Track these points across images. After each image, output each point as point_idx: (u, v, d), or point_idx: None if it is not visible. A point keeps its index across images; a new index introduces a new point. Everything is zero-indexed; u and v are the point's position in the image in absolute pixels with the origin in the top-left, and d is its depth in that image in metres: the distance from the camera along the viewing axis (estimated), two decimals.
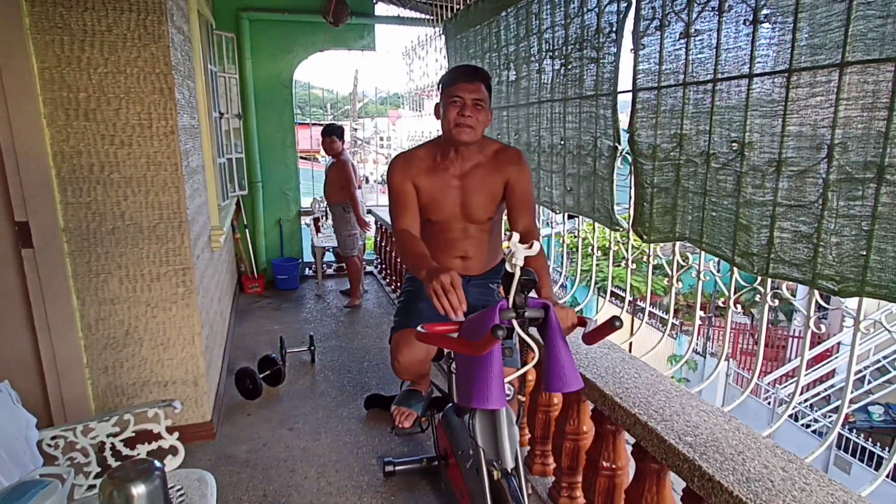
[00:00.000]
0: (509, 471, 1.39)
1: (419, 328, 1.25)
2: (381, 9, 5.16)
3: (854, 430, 7.79)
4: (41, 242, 2.08)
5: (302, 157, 7.87)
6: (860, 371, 8.15)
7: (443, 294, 1.22)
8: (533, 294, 1.36)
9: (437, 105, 1.70)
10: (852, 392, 7.89)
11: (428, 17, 4.55)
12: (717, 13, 1.49)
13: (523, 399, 1.40)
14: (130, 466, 1.04)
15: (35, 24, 1.94)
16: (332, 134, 4.20)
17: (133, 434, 1.65)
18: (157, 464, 1.07)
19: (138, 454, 1.63)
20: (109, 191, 2.14)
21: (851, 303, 1.38)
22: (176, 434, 1.68)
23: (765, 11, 1.35)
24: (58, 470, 1.32)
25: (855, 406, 8.36)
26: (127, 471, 1.02)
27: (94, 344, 2.24)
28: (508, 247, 1.18)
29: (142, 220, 2.20)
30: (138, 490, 1.00)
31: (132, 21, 2.04)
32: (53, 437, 1.54)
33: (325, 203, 4.70)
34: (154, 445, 1.66)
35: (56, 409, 2.22)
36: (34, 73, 1.96)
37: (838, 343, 8.85)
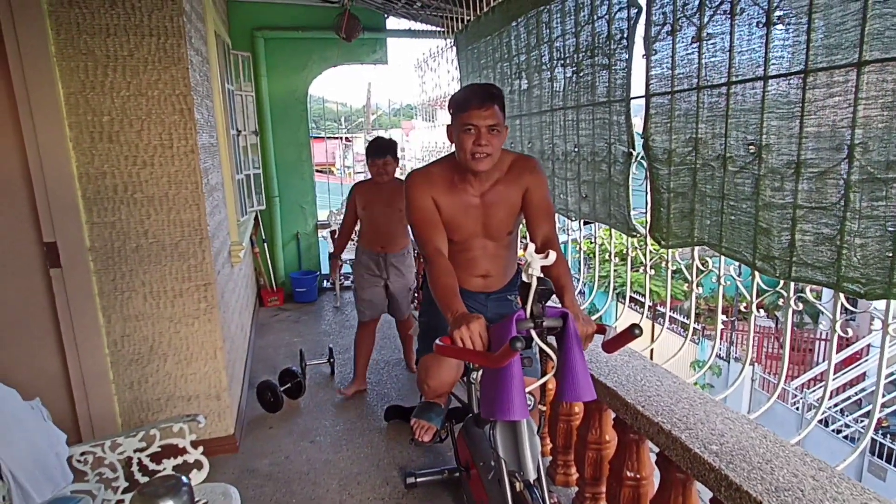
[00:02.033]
0: (531, 482, 1.38)
1: (437, 341, 1.26)
2: (392, 23, 5.23)
3: (888, 435, 7.55)
4: (68, 262, 2.14)
5: (317, 171, 7.98)
6: (892, 374, 7.89)
7: (468, 342, 1.23)
8: (554, 302, 1.36)
9: (448, 127, 1.64)
10: (884, 396, 7.65)
11: (439, 29, 4.60)
12: (728, 16, 1.49)
13: (544, 409, 1.39)
14: (159, 483, 1.06)
15: (60, 51, 2.01)
16: (386, 153, 2.84)
17: (159, 449, 1.67)
18: (185, 479, 1.09)
19: (164, 469, 1.65)
20: (133, 210, 2.20)
21: (880, 304, 1.35)
22: (200, 448, 1.70)
23: (778, 13, 1.34)
24: (87, 486, 1.35)
25: (888, 410, 8.10)
26: (156, 487, 1.04)
27: (120, 360, 2.29)
28: (524, 256, 1.18)
29: (164, 237, 2.25)
30: None
31: (153, 45, 2.10)
32: (83, 453, 1.57)
33: (382, 252, 2.98)
34: (179, 460, 1.68)
35: (84, 424, 2.27)
36: (60, 98, 2.03)
37: (868, 345, 8.61)
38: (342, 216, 3.20)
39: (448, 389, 1.90)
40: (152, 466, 1.65)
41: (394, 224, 2.95)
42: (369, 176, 2.98)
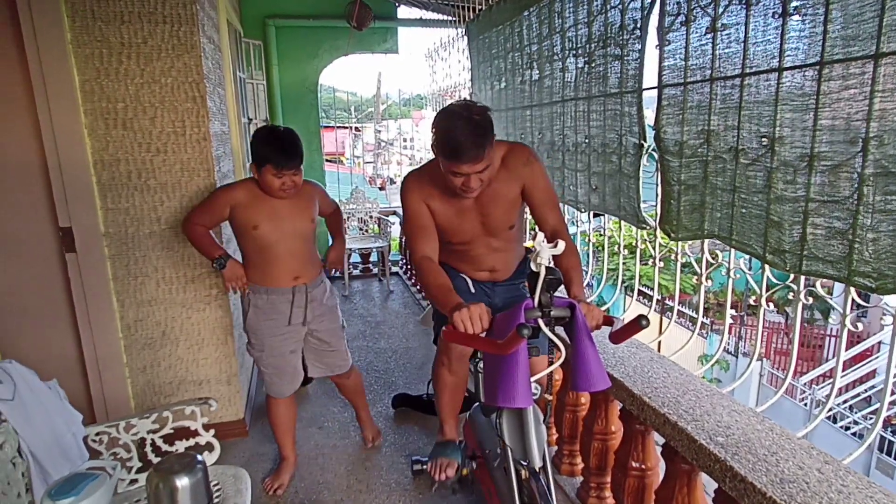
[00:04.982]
0: (537, 470, 1.40)
1: (444, 327, 1.27)
2: (403, 11, 5.21)
3: None
4: (83, 247, 2.17)
5: (327, 160, 8.00)
6: None
7: (469, 323, 1.22)
8: (561, 293, 1.36)
9: (434, 150, 1.51)
10: (895, 393, 7.58)
11: (450, 18, 4.57)
12: (744, 6, 1.47)
13: (550, 398, 1.41)
14: (174, 460, 1.09)
15: (76, 38, 2.03)
16: (299, 160, 1.95)
17: (171, 431, 1.71)
18: (199, 457, 1.11)
19: (177, 450, 1.69)
20: (146, 196, 2.22)
21: (891, 299, 1.34)
22: (212, 431, 1.73)
23: (794, 3, 1.32)
24: (103, 464, 1.38)
25: None
26: (171, 464, 1.07)
27: (133, 344, 2.33)
28: (533, 246, 1.19)
29: (177, 224, 2.27)
30: (182, 482, 1.05)
31: (166, 33, 2.11)
32: (98, 434, 1.61)
33: (299, 283, 2.06)
34: (191, 442, 1.72)
35: (98, 406, 2.32)
36: (76, 85, 2.05)
37: (879, 342, 8.53)
38: (199, 215, 2.01)
39: (467, 362, 1.81)
40: (165, 448, 1.69)
41: (309, 241, 2.08)
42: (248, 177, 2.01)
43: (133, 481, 1.64)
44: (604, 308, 1.40)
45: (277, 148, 1.87)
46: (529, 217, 1.94)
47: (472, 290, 1.77)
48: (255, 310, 2.04)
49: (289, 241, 2.00)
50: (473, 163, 1.41)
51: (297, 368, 2.16)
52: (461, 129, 1.39)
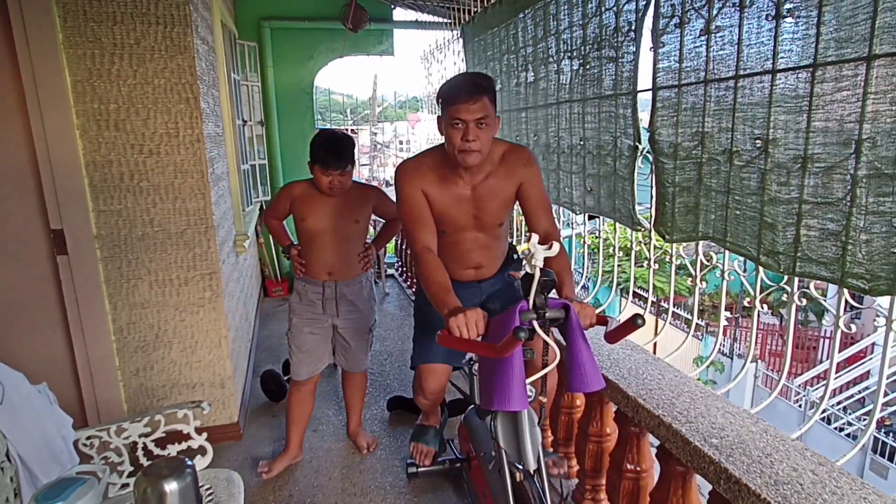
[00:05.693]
0: (531, 472, 1.39)
1: (439, 332, 1.26)
2: (398, 14, 5.21)
3: (891, 434, 7.53)
4: (75, 249, 2.16)
5: None
6: (895, 372, 7.87)
7: (465, 329, 1.23)
8: (554, 294, 1.36)
9: (439, 119, 1.57)
10: (888, 394, 7.64)
11: (446, 20, 4.58)
12: (737, 9, 1.47)
13: (545, 400, 1.40)
14: (164, 464, 1.08)
15: (68, 38, 2.02)
16: (347, 161, 2.07)
17: (164, 434, 1.69)
18: (189, 462, 1.10)
19: (169, 454, 1.67)
20: (139, 198, 2.21)
21: (884, 301, 1.35)
22: (204, 434, 1.72)
23: (787, 6, 1.33)
24: (93, 468, 1.37)
25: (891, 409, 8.08)
26: (160, 468, 1.06)
27: (125, 347, 2.31)
28: (528, 248, 1.19)
29: (170, 226, 2.26)
30: (171, 487, 1.04)
31: (159, 33, 2.10)
32: (89, 437, 1.59)
33: (330, 280, 2.19)
34: (184, 445, 1.70)
35: (90, 410, 2.30)
36: (67, 86, 2.04)
37: (873, 344, 8.59)
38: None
39: (439, 395, 1.96)
40: (157, 451, 1.67)
41: (350, 241, 2.18)
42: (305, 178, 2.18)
43: (125, 486, 1.63)
44: (599, 310, 1.40)
45: (328, 150, 2.03)
46: (520, 219, 1.96)
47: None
48: (296, 293, 2.26)
49: (329, 236, 2.15)
50: (470, 102, 1.45)
51: (318, 353, 2.26)
52: (459, 77, 1.58)
